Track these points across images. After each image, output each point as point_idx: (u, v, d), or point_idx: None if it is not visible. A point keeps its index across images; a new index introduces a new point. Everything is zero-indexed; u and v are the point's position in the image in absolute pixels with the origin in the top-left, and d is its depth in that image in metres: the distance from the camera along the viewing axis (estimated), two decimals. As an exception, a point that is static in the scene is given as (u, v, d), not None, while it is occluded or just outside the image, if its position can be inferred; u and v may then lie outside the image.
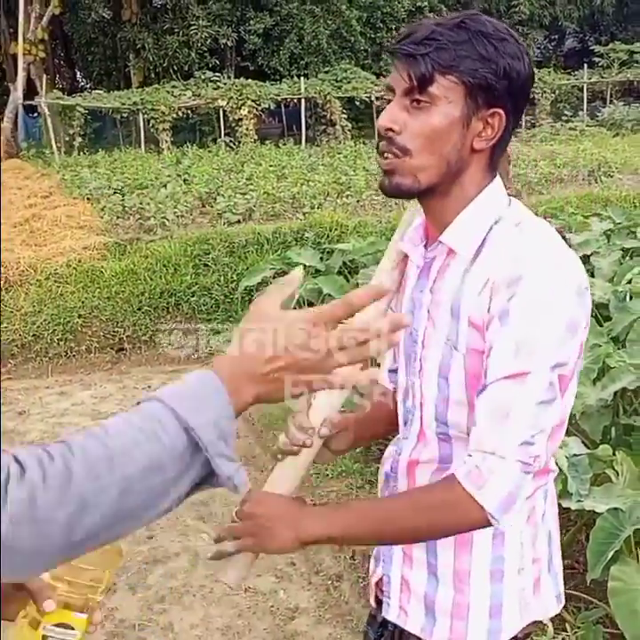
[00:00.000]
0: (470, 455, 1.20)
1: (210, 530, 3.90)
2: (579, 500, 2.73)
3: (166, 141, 17.01)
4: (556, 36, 27.88)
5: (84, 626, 1.03)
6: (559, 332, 1.18)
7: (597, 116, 19.62)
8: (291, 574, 3.55)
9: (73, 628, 1.02)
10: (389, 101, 1.24)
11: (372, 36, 21.01)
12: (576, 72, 22.44)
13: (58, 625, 1.02)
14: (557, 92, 21.48)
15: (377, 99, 17.28)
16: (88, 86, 23.40)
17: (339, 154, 14.00)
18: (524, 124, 19.68)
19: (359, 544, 1.34)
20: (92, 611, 1.05)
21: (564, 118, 18.82)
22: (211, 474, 0.84)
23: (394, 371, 1.50)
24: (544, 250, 1.21)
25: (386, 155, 1.23)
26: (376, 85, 17.85)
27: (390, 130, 1.21)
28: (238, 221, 8.04)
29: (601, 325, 4.38)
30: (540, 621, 1.42)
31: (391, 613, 1.43)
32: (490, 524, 1.19)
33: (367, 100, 18.22)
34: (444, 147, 1.21)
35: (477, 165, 1.25)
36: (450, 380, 1.28)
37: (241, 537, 1.25)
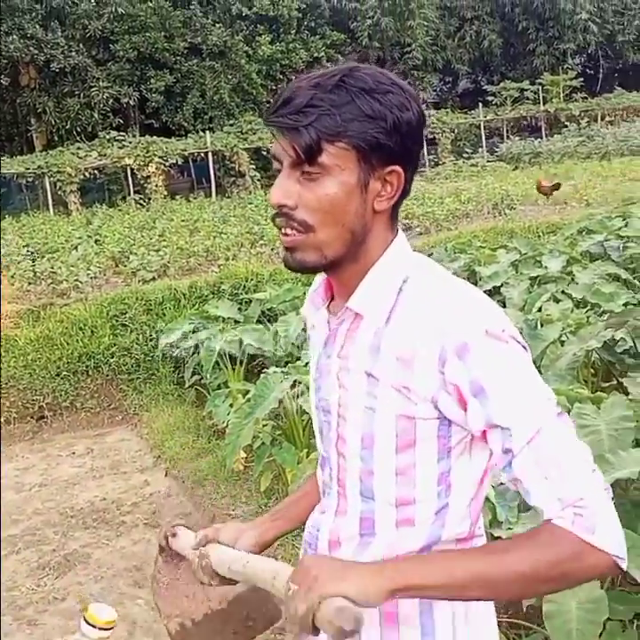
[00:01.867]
0: (553, 520, 1.10)
1: (146, 596, 3.82)
2: (508, 528, 2.78)
3: (75, 203, 16.85)
4: (451, 78, 28.95)
5: None
6: (531, 376, 1.15)
7: (496, 152, 20.38)
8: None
9: None
10: (279, 170, 1.16)
11: (273, 87, 21.42)
12: (472, 111, 23.33)
13: None
14: (456, 130, 22.26)
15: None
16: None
17: (250, 204, 14.12)
18: (427, 162, 20.32)
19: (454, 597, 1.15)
20: None
21: (465, 155, 19.49)
22: None
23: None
24: (470, 307, 1.15)
25: (285, 231, 1.16)
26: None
27: (285, 206, 1.14)
28: (153, 278, 7.99)
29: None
30: None
31: None
32: (619, 568, 1.10)
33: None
34: (346, 217, 1.14)
35: (380, 226, 1.19)
36: (375, 450, 1.20)
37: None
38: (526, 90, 24.10)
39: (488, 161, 18.48)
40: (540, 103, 24.17)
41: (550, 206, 10.98)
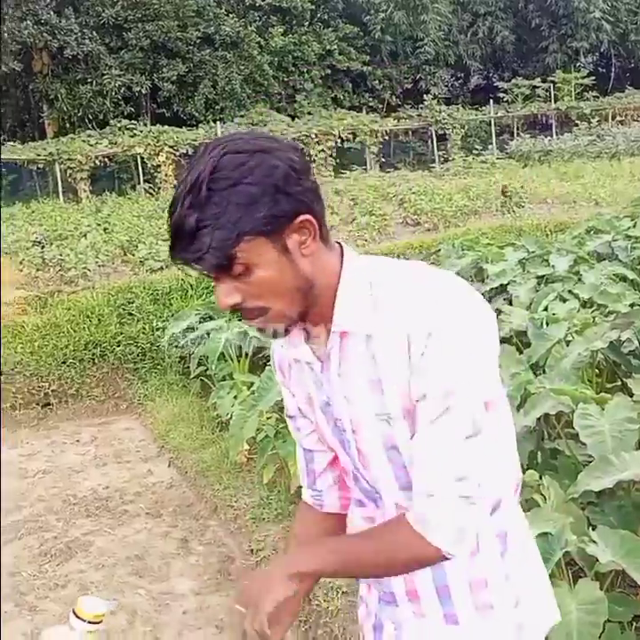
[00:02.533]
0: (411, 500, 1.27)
1: (147, 585, 3.84)
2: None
3: (85, 191, 16.87)
4: (462, 74, 28.84)
5: None
6: (473, 368, 1.22)
7: (506, 149, 20.31)
8: (231, 623, 3.50)
9: None
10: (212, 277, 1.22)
11: (285, 79, 21.40)
12: (483, 108, 23.25)
13: None
14: (467, 127, 22.19)
15: (293, 139, 17.53)
16: (2, 138, 23.05)
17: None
18: (437, 158, 20.27)
19: (338, 576, 1.42)
20: None
21: (474, 152, 19.42)
22: None
23: (316, 491, 1.53)
24: (433, 301, 1.23)
25: (248, 321, 1.26)
26: (291, 127, 18.18)
27: (234, 304, 1.22)
28: (161, 268, 8.00)
29: (521, 352, 4.51)
30: None
31: None
32: (446, 558, 1.27)
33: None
34: (288, 284, 1.21)
35: (319, 261, 1.25)
36: (401, 448, 1.29)
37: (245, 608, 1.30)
38: (538, 87, 24.00)
39: (497, 158, 18.39)
40: (551, 101, 24.06)
41: (559, 205, 10.95)
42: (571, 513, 2.85)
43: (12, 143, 18.32)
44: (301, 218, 1.19)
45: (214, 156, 1.16)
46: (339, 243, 1.31)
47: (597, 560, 2.56)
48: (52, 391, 6.52)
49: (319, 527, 1.52)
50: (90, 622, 1.06)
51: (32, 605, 3.73)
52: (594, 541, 2.60)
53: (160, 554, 4.12)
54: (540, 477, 3.02)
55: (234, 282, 1.20)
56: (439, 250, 7.32)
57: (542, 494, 2.95)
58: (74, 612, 1.07)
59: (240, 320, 1.29)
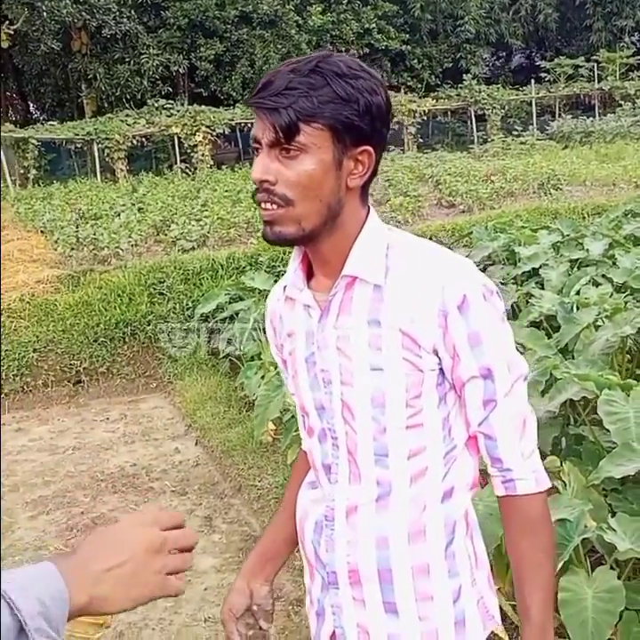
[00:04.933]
0: (509, 469, 1.32)
1: (169, 561, 3.88)
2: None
3: (122, 170, 16.98)
4: (504, 53, 28.39)
5: None
6: (511, 333, 1.33)
7: (547, 130, 19.97)
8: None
9: None
10: (256, 149, 1.24)
11: (323, 58, 21.25)
12: (524, 88, 22.87)
13: None
14: (507, 107, 21.85)
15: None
16: (42, 118, 23.27)
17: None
18: (476, 139, 20.02)
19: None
20: None
21: (514, 133, 19.13)
22: None
23: None
24: (460, 266, 1.29)
25: (265, 205, 1.24)
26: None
27: (266, 181, 1.22)
28: (193, 248, 8.03)
29: (550, 337, 4.45)
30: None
31: None
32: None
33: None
34: (323, 192, 1.22)
35: (354, 201, 1.28)
36: (387, 407, 1.29)
37: None
38: (581, 67, 23.50)
39: (537, 139, 18.08)
40: (594, 81, 23.58)
41: (598, 187, 10.75)
42: (591, 499, 2.81)
43: (51, 123, 18.48)
44: (366, 148, 1.23)
45: (332, 52, 1.25)
46: (368, 205, 1.33)
47: (616, 548, 2.52)
48: (84, 369, 6.60)
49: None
50: None
51: (57, 579, 3.79)
52: (612, 529, 2.56)
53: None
54: (561, 463, 2.99)
55: (278, 160, 1.21)
56: (471, 232, 7.24)
57: (562, 480, 2.91)
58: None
59: (255, 201, 1.29)
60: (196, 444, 5.32)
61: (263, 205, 1.24)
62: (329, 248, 1.29)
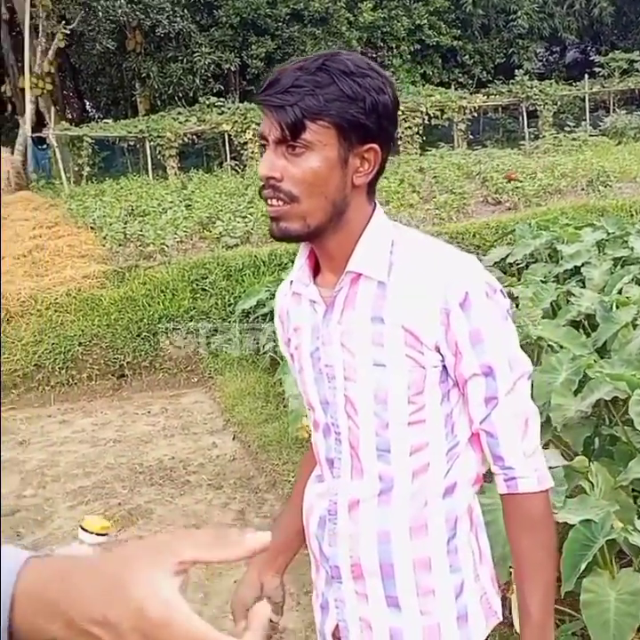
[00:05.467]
0: (511, 467, 1.32)
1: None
2: (553, 513, 2.74)
3: (173, 167, 17.16)
4: (557, 48, 27.90)
5: None
6: (514, 331, 1.34)
7: (600, 126, 19.58)
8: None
9: None
10: (263, 145, 1.27)
11: (374, 55, 21.14)
12: (577, 83, 22.45)
13: None
14: (559, 103, 21.49)
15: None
16: (97, 116, 23.71)
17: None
18: (527, 135, 19.74)
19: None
20: None
21: (566, 129, 18.78)
22: None
23: None
24: (463, 263, 1.30)
25: (271, 202, 1.26)
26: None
27: (272, 178, 1.24)
28: (236, 245, 8.11)
29: (588, 336, 4.39)
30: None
31: None
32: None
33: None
34: (328, 189, 1.24)
35: (360, 199, 1.29)
36: (389, 403, 1.30)
37: None
38: (637, 61, 22.94)
39: (590, 135, 17.75)
40: (651, 75, 23.05)
41: (651, 184, 10.52)
42: (618, 501, 2.77)
43: (105, 121, 18.79)
44: (372, 146, 1.25)
45: (340, 51, 1.26)
46: (375, 202, 1.34)
47: (640, 550, 2.49)
48: (127, 363, 6.73)
49: None
50: (98, 534, 1.11)
51: (93, 568, 3.88)
52: (638, 530, 2.53)
53: (217, 524, 4.22)
54: (590, 464, 2.95)
55: (285, 157, 1.23)
56: (514, 230, 7.16)
57: (590, 481, 2.88)
58: (81, 527, 1.12)
59: (262, 197, 1.32)
60: (234, 438, 5.38)
61: (269, 202, 1.26)
62: (334, 244, 1.31)
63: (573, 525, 2.62)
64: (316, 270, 1.39)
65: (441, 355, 1.29)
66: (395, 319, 1.27)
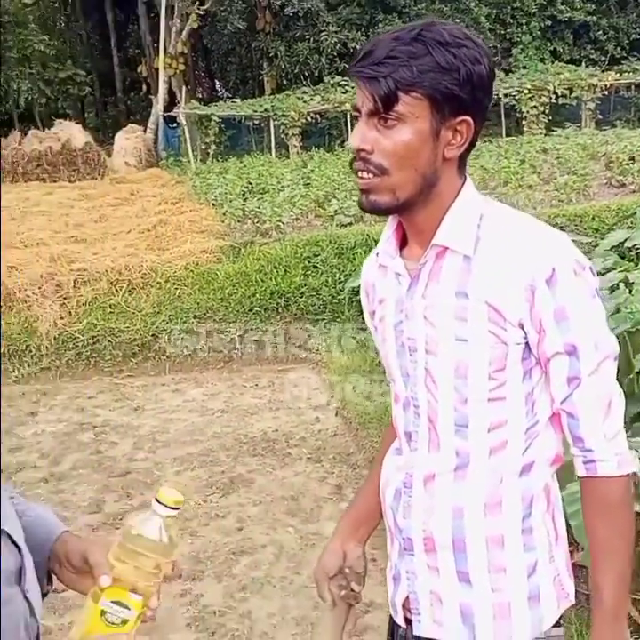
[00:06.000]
0: (591, 450, 1.29)
1: (297, 524, 4.03)
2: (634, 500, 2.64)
3: (295, 146, 17.34)
4: None
5: (139, 607, 1.12)
6: (602, 309, 1.29)
7: None
8: (369, 570, 3.57)
9: (129, 608, 1.11)
10: (356, 117, 1.25)
11: (502, 32, 20.54)
12: None
13: (115, 602, 1.11)
14: None
15: (505, 96, 16.89)
16: (226, 95, 24.23)
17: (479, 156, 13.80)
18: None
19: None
20: (149, 595, 1.14)
21: None
22: None
23: None
24: (552, 240, 1.27)
25: (362, 174, 1.25)
26: (502, 82, 17.45)
27: (363, 150, 1.23)
28: (350, 223, 8.13)
29: None
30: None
31: (424, 630, 1.40)
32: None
33: (495, 97, 17.83)
34: (419, 162, 1.23)
35: (450, 172, 1.28)
36: (469, 379, 1.29)
37: None
38: None
39: None
40: None
41: None
42: None
43: (233, 100, 19.18)
44: (465, 118, 1.23)
45: (436, 20, 1.24)
46: (465, 175, 1.33)
47: None
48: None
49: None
50: (171, 507, 1.16)
51: (194, 531, 4.04)
52: None
53: (314, 497, 4.30)
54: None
55: (377, 130, 1.23)
56: (635, 213, 6.84)
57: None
58: (156, 499, 1.18)
59: (352, 170, 1.32)
60: (336, 414, 5.44)
61: (360, 174, 1.25)
62: (423, 218, 1.30)
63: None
64: (402, 243, 1.38)
65: (524, 332, 1.26)
66: (479, 294, 1.26)
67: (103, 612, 1.10)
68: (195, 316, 6.88)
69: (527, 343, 1.28)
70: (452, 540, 1.34)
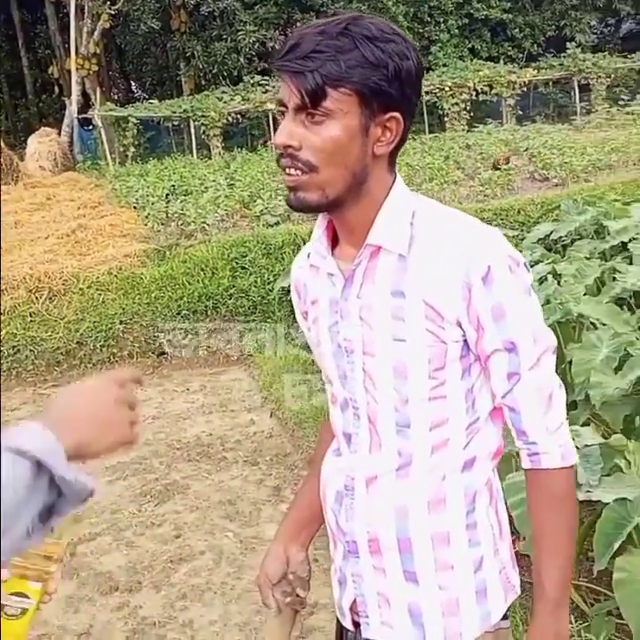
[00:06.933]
0: (534, 442, 1.30)
1: (236, 528, 3.96)
2: (588, 491, 2.68)
3: (217, 147, 17.19)
4: (612, 20, 27.12)
5: (38, 595, 1.09)
6: (538, 304, 1.30)
7: (656, 99, 19.01)
8: (313, 571, 3.54)
9: (28, 597, 1.08)
10: (282, 113, 1.22)
11: (420, 30, 20.77)
12: (633, 55, 21.83)
13: (13, 594, 1.07)
14: (613, 76, 20.94)
15: (426, 93, 17.11)
16: (143, 96, 23.84)
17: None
18: (578, 110, 19.30)
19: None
20: (47, 581, 1.10)
21: (620, 103, 18.31)
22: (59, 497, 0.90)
23: None
24: (486, 236, 1.27)
25: (289, 171, 1.22)
26: (425, 80, 17.66)
27: (290, 146, 1.20)
28: (277, 223, 8.09)
29: (633, 313, 4.27)
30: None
31: (373, 632, 1.39)
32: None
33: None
34: (348, 159, 1.20)
35: (380, 169, 1.26)
36: (409, 379, 1.28)
37: None
38: (695, 31, 22.29)
39: (645, 109, 17.25)
40: None
41: None
42: (657, 480, 2.69)
43: (150, 101, 18.89)
44: (394, 114, 1.21)
45: (362, 14, 1.22)
46: (395, 172, 1.31)
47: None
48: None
49: None
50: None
51: (129, 541, 3.93)
52: (674, 510, 2.45)
53: (252, 500, 4.24)
54: (628, 442, 2.88)
55: (304, 125, 1.19)
56: (559, 205, 7.00)
57: (627, 459, 2.80)
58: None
59: (280, 166, 1.27)
60: (271, 415, 5.38)
61: (287, 171, 1.22)
62: (354, 216, 1.27)
63: (607, 504, 2.56)
64: (334, 242, 1.35)
65: (462, 329, 1.26)
66: (416, 293, 1.25)
67: (2, 606, 1.08)
68: (121, 322, 6.71)
69: (465, 341, 1.28)
70: (397, 540, 1.33)
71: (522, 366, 1.26)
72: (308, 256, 1.40)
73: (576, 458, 1.32)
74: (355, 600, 1.40)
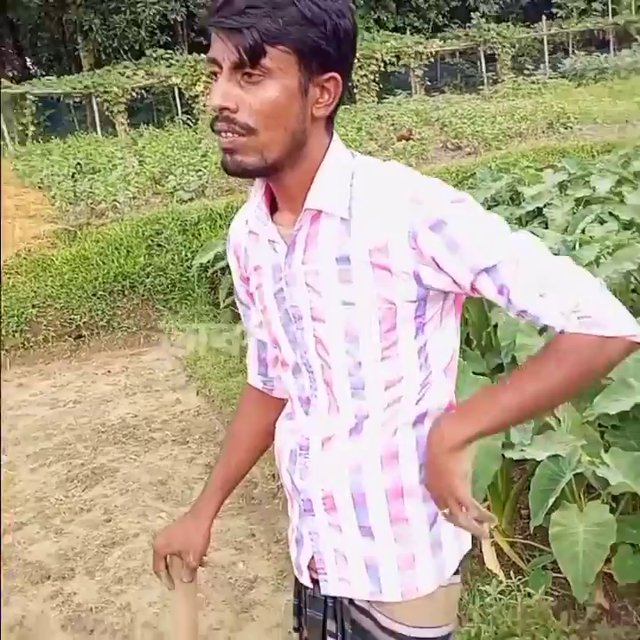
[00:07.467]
0: (562, 331, 1.15)
1: (169, 508, 3.89)
2: (521, 450, 2.73)
3: (122, 123, 16.77)
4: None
5: None
6: (490, 218, 1.21)
7: (559, 68, 19.52)
8: (250, 545, 3.53)
9: None
10: (214, 74, 1.16)
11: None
12: (535, 24, 22.29)
13: None
14: (517, 46, 21.35)
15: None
16: (40, 72, 22.97)
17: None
18: (485, 80, 19.65)
19: (510, 425, 1.33)
20: None
21: (526, 72, 18.71)
22: None
23: (268, 377, 1.54)
24: (426, 184, 1.22)
25: (225, 134, 1.17)
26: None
27: (226, 108, 1.14)
28: (191, 199, 7.95)
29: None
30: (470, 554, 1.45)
31: (332, 588, 1.40)
32: (637, 344, 1.16)
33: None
34: (287, 120, 1.16)
35: (319, 131, 1.22)
36: (360, 342, 1.25)
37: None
38: (594, 1, 22.87)
39: (550, 78, 17.69)
40: (608, 16, 22.93)
41: (610, 125, 10.51)
42: (586, 436, 2.77)
43: (48, 77, 18.22)
44: (333, 74, 1.16)
45: None
46: (332, 132, 1.26)
47: (609, 483, 2.49)
48: (84, 323, 6.59)
49: (265, 411, 1.54)
50: None
51: (58, 528, 3.81)
52: (605, 463, 2.52)
53: (183, 479, 4.17)
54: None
55: (240, 86, 1.14)
56: (474, 173, 7.09)
57: (557, 417, 2.86)
58: None
59: (214, 130, 1.20)
60: (197, 394, 5.30)
61: (223, 134, 1.17)
62: (293, 180, 1.23)
63: (541, 461, 2.61)
64: (272, 208, 1.31)
65: (423, 286, 1.20)
66: (361, 255, 1.20)
67: None
68: (33, 306, 6.47)
69: (423, 301, 1.23)
70: (351, 495, 1.33)
71: (504, 278, 1.17)
72: (247, 222, 1.35)
73: (633, 327, 1.16)
74: (313, 557, 1.41)
